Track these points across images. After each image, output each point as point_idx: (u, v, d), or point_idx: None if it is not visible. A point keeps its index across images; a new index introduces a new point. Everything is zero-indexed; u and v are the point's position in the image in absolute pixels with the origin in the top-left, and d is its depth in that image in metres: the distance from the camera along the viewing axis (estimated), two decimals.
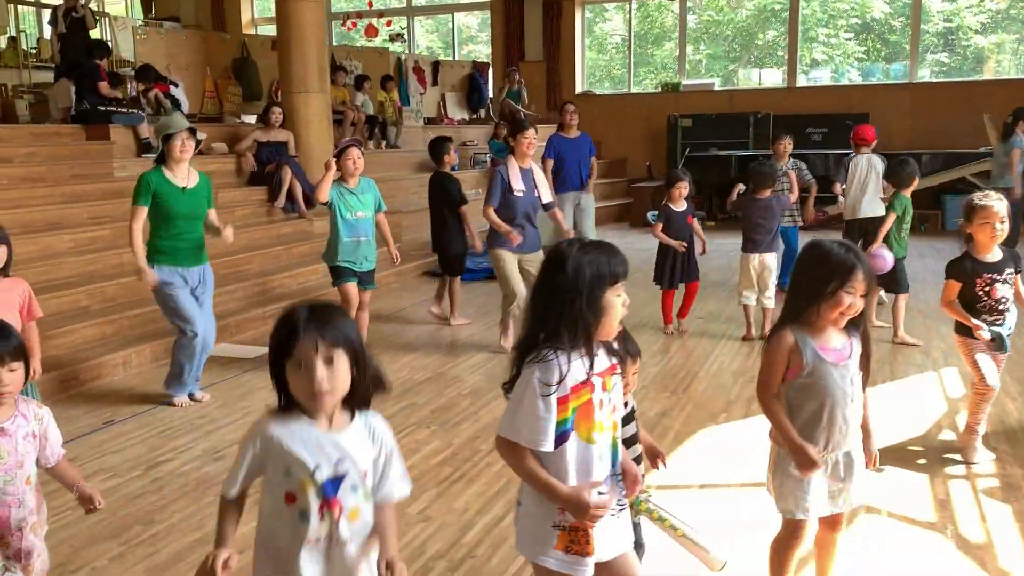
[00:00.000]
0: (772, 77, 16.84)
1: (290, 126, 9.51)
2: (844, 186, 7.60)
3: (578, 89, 16.47)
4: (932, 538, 3.37)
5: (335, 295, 5.89)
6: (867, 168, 7.27)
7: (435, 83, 14.72)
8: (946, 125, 13.88)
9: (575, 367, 2.00)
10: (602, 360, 2.07)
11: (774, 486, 2.64)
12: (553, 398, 1.97)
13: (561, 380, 1.98)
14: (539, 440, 1.98)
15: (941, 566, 3.18)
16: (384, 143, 12.13)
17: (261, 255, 7.97)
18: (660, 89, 16.08)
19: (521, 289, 6.05)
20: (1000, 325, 3.96)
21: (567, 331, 1.98)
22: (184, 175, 5.02)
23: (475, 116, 15.48)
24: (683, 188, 6.69)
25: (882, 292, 6.92)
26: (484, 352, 6.23)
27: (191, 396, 5.25)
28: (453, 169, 7.42)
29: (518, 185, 5.98)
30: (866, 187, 7.21)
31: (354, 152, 5.70)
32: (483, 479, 3.97)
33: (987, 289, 3.92)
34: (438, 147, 7.22)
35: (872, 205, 7.19)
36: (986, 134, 12.44)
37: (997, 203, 3.86)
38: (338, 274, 5.76)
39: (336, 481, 1.91)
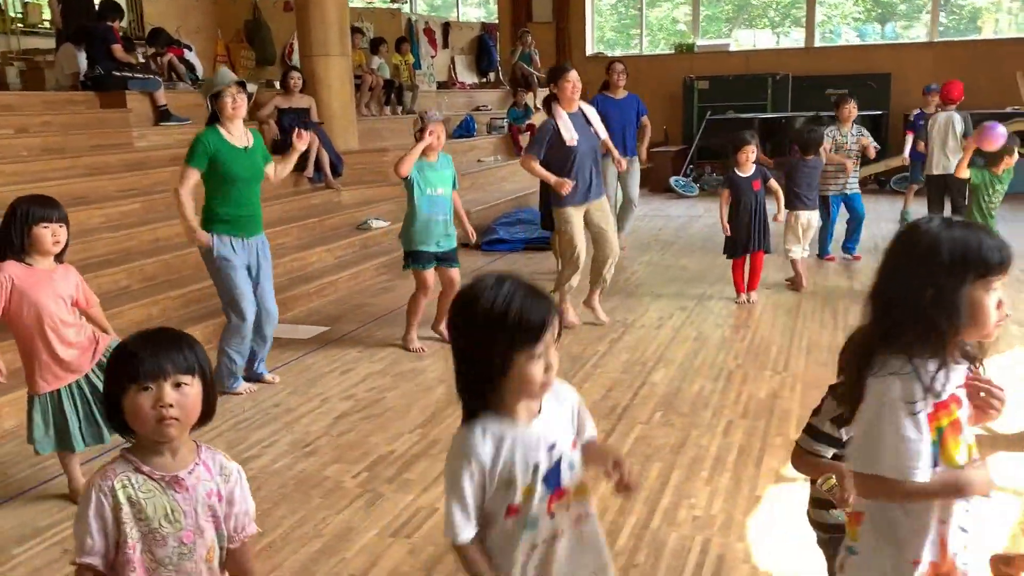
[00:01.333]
0: (765, 39, 16.39)
1: (310, 91, 9.04)
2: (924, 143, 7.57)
3: (588, 51, 16.00)
4: None
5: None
6: (946, 126, 7.07)
7: (445, 45, 14.20)
8: (970, 84, 13.56)
9: (940, 378, 1.60)
10: (960, 369, 1.68)
11: None
12: (922, 416, 1.60)
13: (929, 393, 1.59)
14: (911, 467, 1.57)
15: None
16: (400, 108, 11.64)
17: (297, 228, 7.55)
18: (674, 50, 15.64)
19: (584, 252, 5.72)
20: None
21: (925, 333, 1.57)
22: (241, 134, 4.58)
23: (485, 80, 14.98)
24: (750, 152, 6.36)
25: None
26: None
27: (260, 378, 4.90)
28: None
29: (570, 135, 5.57)
30: (946, 144, 7.06)
31: (439, 126, 5.33)
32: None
33: None
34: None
35: (947, 164, 7.02)
36: (1018, 93, 12.19)
37: None
38: (416, 258, 5.37)
39: (556, 468, 1.71)
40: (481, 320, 1.60)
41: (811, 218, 6.90)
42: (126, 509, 1.69)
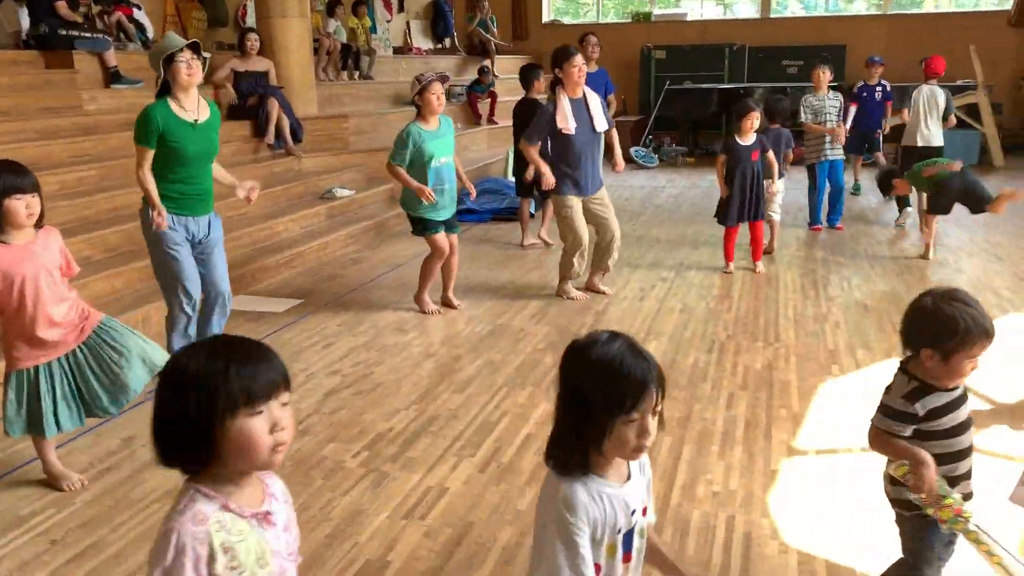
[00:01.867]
0: (711, 9, 16.32)
1: (268, 54, 8.68)
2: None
3: (545, 18, 15.78)
4: None
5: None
6: (929, 99, 7.15)
7: (401, 9, 13.83)
8: (921, 57, 13.73)
9: None
10: None
11: None
12: None
13: None
14: None
15: None
16: (358, 74, 11.31)
17: (262, 196, 7.21)
18: (631, 19, 15.51)
19: (586, 236, 5.60)
20: None
21: None
22: (194, 105, 4.15)
23: (440, 46, 14.65)
24: (754, 119, 6.20)
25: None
26: (536, 299, 5.75)
27: None
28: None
29: (568, 123, 5.39)
30: (927, 117, 7.15)
31: (438, 87, 5.08)
32: None
33: None
34: (530, 73, 7.29)
35: (929, 136, 7.12)
36: (969, 65, 12.39)
37: None
38: (424, 225, 5.28)
39: (630, 533, 1.70)
40: (587, 376, 1.57)
41: (779, 182, 6.92)
42: (221, 561, 1.35)
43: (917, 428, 2.17)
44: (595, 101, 5.61)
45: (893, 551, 2.37)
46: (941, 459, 2.17)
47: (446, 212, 5.30)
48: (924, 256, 6.58)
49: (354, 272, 6.57)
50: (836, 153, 7.64)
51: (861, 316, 5.29)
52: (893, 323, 5.10)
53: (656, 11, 15.43)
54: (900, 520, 2.32)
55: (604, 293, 5.82)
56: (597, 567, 1.64)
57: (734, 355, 4.64)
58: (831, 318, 5.26)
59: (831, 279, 6.16)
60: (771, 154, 6.46)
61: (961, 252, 6.84)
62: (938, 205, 6.45)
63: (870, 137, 9.15)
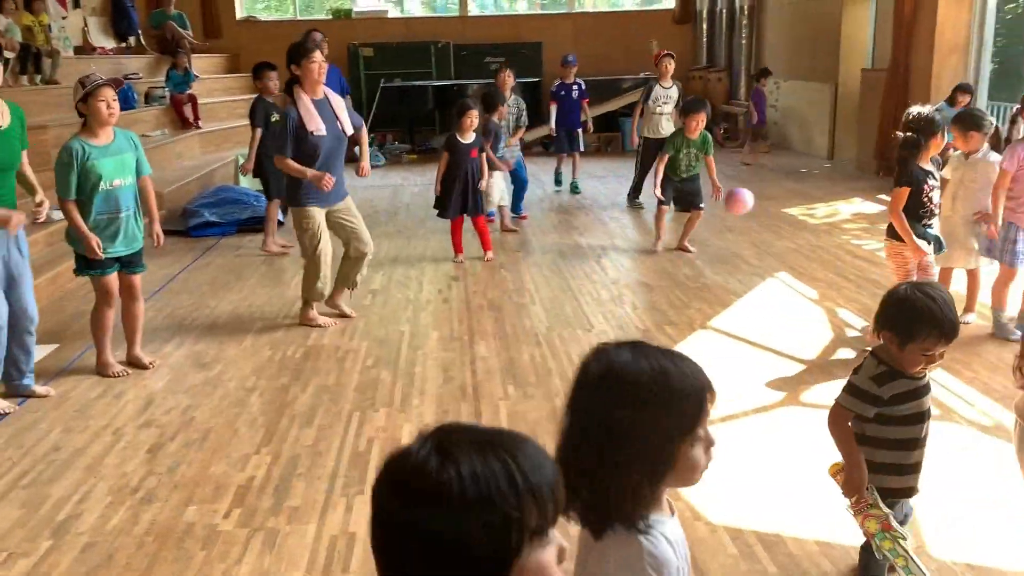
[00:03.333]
0: (413, 6, 16.64)
1: None
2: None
3: (239, 14, 14.87)
4: None
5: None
6: (666, 95, 7.78)
7: (76, 5, 12.24)
8: (607, 52, 14.96)
9: None
10: None
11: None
12: None
13: None
14: None
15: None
16: (40, 78, 9.87)
17: None
18: (331, 16, 15.14)
19: (329, 252, 5.13)
20: (933, 227, 4.36)
21: None
22: None
23: (125, 44, 13.22)
24: (473, 117, 6.47)
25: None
26: (326, 316, 5.39)
27: (30, 392, 4.12)
28: None
29: (315, 125, 4.90)
30: (663, 112, 7.79)
31: (109, 92, 4.10)
32: None
33: (930, 195, 4.27)
34: (262, 71, 7.05)
35: (666, 128, 7.70)
36: (651, 61, 13.70)
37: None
38: (91, 263, 4.23)
39: None
40: (633, 408, 1.25)
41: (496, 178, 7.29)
42: None
43: (879, 411, 2.33)
44: (338, 101, 5.19)
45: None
46: (895, 445, 2.36)
47: (121, 246, 4.29)
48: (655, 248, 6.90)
49: None
50: (515, 152, 8.00)
51: (648, 294, 5.65)
52: (678, 297, 5.52)
53: (356, 8, 15.21)
54: None
55: (348, 316, 5.32)
56: None
57: (562, 346, 4.73)
58: (626, 300, 5.57)
59: (606, 263, 6.51)
60: (489, 151, 6.93)
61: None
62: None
63: (572, 134, 9.32)
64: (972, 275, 4.83)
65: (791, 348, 4.59)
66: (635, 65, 14.39)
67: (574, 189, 9.54)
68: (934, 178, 4.31)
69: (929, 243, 4.28)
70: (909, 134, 4.23)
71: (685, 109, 6.77)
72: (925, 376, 2.33)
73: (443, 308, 5.52)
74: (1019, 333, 4.43)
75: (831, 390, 4.00)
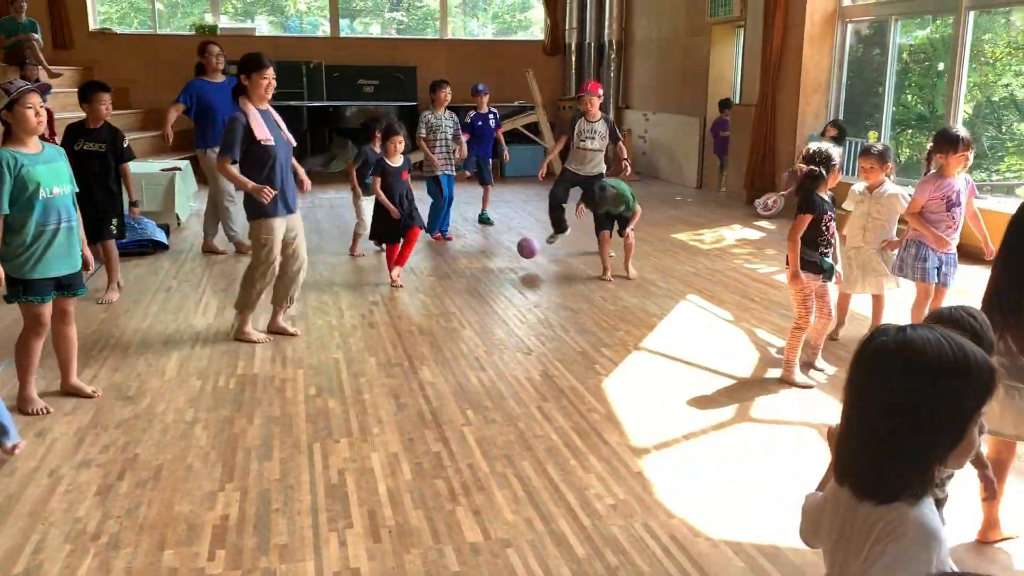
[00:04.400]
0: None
1: None
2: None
3: (92, 26, 13.99)
4: None
5: None
6: (589, 128, 7.79)
7: None
8: (480, 80, 15.13)
9: None
10: None
11: None
12: None
13: None
14: None
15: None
16: None
17: None
18: (194, 31, 14.51)
19: (278, 265, 5.10)
20: (829, 256, 4.67)
21: None
22: None
23: None
24: (399, 142, 6.49)
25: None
26: (199, 359, 5.15)
27: None
28: None
29: (264, 134, 4.89)
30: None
31: (35, 99, 3.80)
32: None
33: (828, 224, 4.58)
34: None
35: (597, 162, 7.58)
36: (524, 88, 13.98)
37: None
38: (29, 288, 3.83)
39: None
40: (934, 383, 1.36)
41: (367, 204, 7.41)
42: None
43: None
44: (278, 115, 5.18)
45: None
46: None
47: (63, 265, 3.91)
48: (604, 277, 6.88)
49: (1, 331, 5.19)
50: (451, 169, 8.19)
51: (575, 317, 5.75)
52: (604, 320, 5.65)
53: (222, 24, 14.67)
54: None
55: (293, 334, 5.26)
56: None
57: (506, 369, 4.73)
58: (554, 323, 5.63)
59: (524, 288, 6.57)
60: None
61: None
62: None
63: (485, 166, 9.19)
64: (878, 299, 5.20)
65: (724, 367, 4.80)
66: (508, 94, 14.64)
67: (485, 220, 9.31)
68: (832, 209, 4.65)
69: (823, 271, 4.57)
70: (812, 168, 4.54)
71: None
72: None
73: (372, 334, 5.38)
74: None
75: (773, 405, 4.24)
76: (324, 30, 16.28)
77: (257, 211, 4.98)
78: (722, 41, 11.83)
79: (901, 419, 1.39)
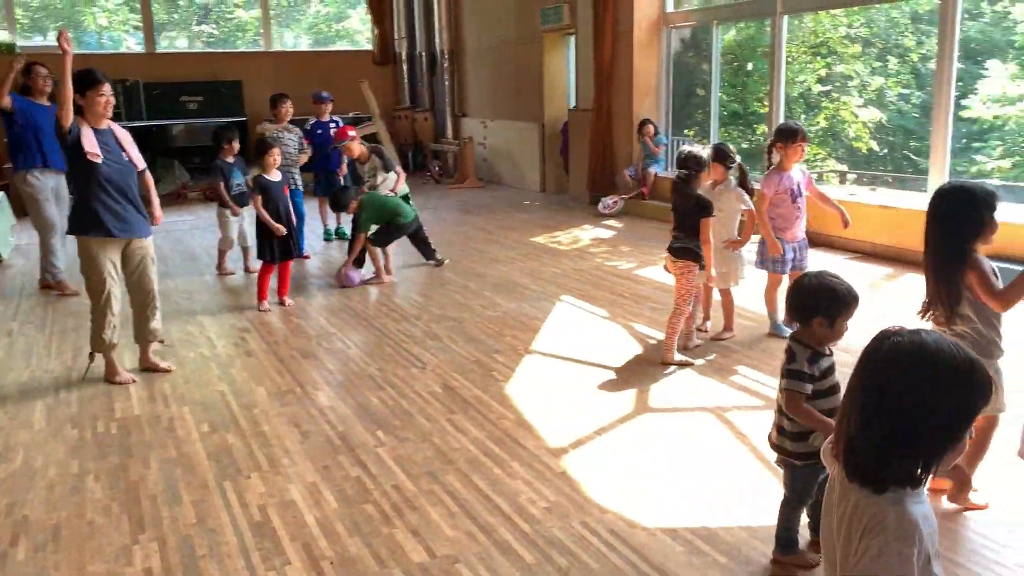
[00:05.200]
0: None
1: None
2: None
3: None
4: None
5: None
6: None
7: None
8: (307, 92, 14.78)
9: None
10: None
11: None
12: None
13: None
14: None
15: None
16: None
17: None
18: None
19: (118, 293, 4.80)
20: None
21: None
22: None
23: None
24: (276, 156, 6.32)
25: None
26: (68, 404, 4.83)
27: None
28: None
29: (91, 148, 4.56)
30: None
31: None
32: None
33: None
34: None
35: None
36: (359, 98, 13.78)
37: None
38: None
39: None
40: (953, 381, 1.47)
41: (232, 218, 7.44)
42: None
43: (813, 388, 2.70)
44: (124, 134, 4.89)
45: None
46: (825, 416, 2.74)
47: None
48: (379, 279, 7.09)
49: None
50: (298, 183, 8.01)
51: (459, 327, 5.76)
52: (488, 327, 5.70)
53: (21, 42, 13.54)
54: (792, 468, 2.82)
55: (166, 370, 4.98)
56: None
57: (405, 386, 4.67)
58: (440, 334, 5.62)
59: (398, 301, 6.51)
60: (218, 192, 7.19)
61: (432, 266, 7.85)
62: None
63: (331, 177, 8.83)
64: (727, 295, 5.45)
65: (613, 361, 4.97)
66: (341, 105, 14.35)
67: (340, 235, 9.06)
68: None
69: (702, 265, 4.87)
70: (682, 171, 4.83)
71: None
72: (831, 352, 2.76)
73: (252, 362, 5.17)
74: (788, 331, 5.23)
75: (666, 393, 4.44)
76: (128, 46, 15.44)
77: (76, 226, 4.72)
78: (554, 48, 12.20)
79: (909, 416, 1.48)
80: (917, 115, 13.60)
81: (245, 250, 7.55)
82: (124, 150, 4.80)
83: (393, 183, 7.43)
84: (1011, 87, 12.16)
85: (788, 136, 5.14)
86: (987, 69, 12.28)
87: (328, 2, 19.20)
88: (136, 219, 4.82)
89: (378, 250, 7.04)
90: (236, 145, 7.41)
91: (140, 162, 4.92)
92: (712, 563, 2.90)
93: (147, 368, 5.00)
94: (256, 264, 7.34)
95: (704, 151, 4.89)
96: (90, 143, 4.58)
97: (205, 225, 10.00)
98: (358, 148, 7.54)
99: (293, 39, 18.14)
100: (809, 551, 2.88)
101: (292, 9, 18.17)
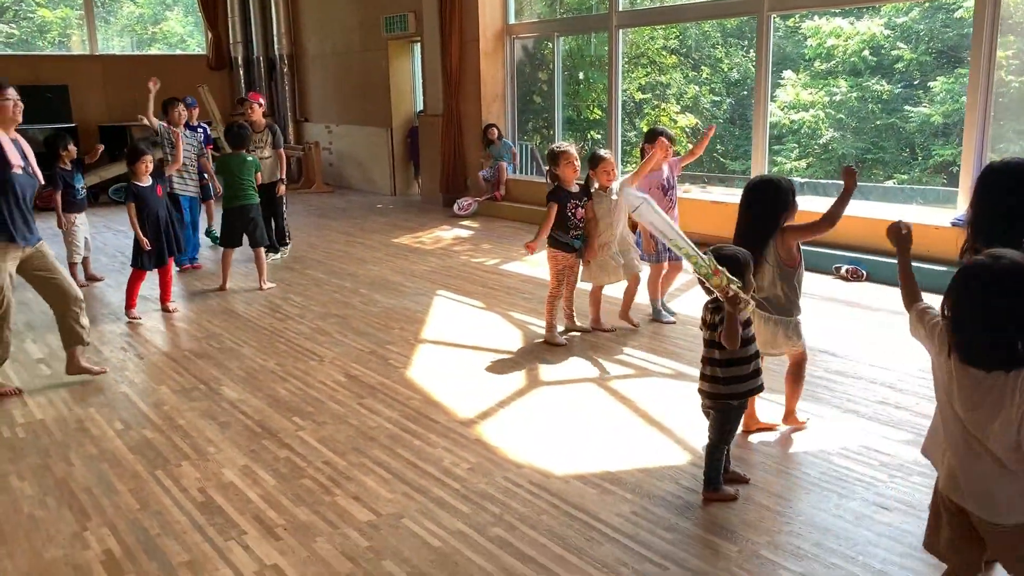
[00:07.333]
0: None
1: None
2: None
3: None
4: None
5: None
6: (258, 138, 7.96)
7: None
8: (137, 97, 14.29)
9: None
10: None
11: None
12: None
13: None
14: None
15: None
16: None
17: None
18: None
19: (13, 308, 4.73)
20: (579, 239, 5.49)
21: None
22: None
23: None
24: (148, 162, 6.30)
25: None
26: (32, 395, 4.78)
27: None
28: None
29: (17, 159, 4.54)
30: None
31: None
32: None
33: (573, 211, 5.41)
34: None
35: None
36: (201, 105, 13.52)
37: (575, 149, 5.41)
38: None
39: None
40: None
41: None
42: None
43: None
44: (27, 146, 4.82)
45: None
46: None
47: None
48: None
49: None
50: (188, 189, 7.95)
51: (345, 323, 6.02)
52: (374, 321, 6.01)
53: None
54: (726, 411, 3.32)
55: (101, 372, 4.99)
56: None
57: (308, 377, 4.91)
58: (329, 330, 5.86)
59: (278, 302, 6.66)
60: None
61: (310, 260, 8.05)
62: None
63: (202, 181, 8.59)
64: (630, 286, 5.96)
65: (500, 345, 5.42)
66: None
67: (211, 237, 9.03)
68: (577, 200, 5.49)
69: (574, 250, 5.42)
70: (548, 168, 5.38)
71: None
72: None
73: (146, 365, 5.22)
74: (669, 316, 5.88)
75: (554, 370, 4.94)
76: None
77: None
78: (399, 55, 12.53)
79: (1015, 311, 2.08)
80: (722, 120, 14.96)
81: (85, 260, 7.45)
82: (28, 160, 4.71)
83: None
84: (804, 94, 13.71)
85: (650, 138, 5.73)
86: (783, 78, 13.77)
87: (142, 3, 18.51)
88: (33, 224, 4.74)
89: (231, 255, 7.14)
90: (73, 150, 7.23)
91: (41, 176, 4.86)
92: (621, 499, 3.40)
93: (78, 373, 4.91)
94: (94, 271, 7.48)
95: (569, 145, 5.43)
96: (13, 155, 4.52)
97: (52, 235, 9.56)
98: (258, 115, 8.22)
99: (103, 41, 17.34)
100: (730, 487, 3.41)
101: (103, 10, 17.39)
